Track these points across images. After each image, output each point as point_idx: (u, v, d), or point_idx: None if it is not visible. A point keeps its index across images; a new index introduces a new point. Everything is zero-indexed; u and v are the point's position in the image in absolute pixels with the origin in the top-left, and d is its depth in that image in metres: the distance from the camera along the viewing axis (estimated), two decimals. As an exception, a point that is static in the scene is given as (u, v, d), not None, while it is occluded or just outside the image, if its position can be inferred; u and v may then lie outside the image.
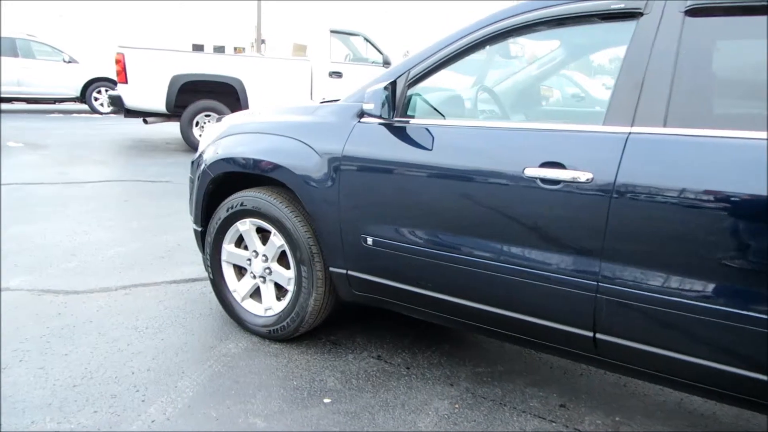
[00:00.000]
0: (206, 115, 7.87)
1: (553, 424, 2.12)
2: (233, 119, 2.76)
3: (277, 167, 2.38)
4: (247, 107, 7.73)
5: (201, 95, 7.75)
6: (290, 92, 7.97)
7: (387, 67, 8.18)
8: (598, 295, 1.76)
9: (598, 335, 1.81)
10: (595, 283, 1.76)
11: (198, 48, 13.19)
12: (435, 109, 2.23)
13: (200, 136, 7.79)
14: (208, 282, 3.26)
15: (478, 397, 2.26)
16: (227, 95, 7.80)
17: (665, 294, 1.65)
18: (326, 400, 2.19)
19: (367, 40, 8.33)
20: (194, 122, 7.81)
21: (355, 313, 2.92)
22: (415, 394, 2.26)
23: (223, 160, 2.58)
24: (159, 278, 3.33)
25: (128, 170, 6.67)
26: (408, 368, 2.46)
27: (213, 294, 3.08)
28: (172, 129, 9.88)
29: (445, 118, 2.22)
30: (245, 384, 2.27)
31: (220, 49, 13.95)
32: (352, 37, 8.51)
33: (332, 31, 8.08)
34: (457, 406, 2.20)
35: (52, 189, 5.44)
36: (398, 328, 2.84)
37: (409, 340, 2.71)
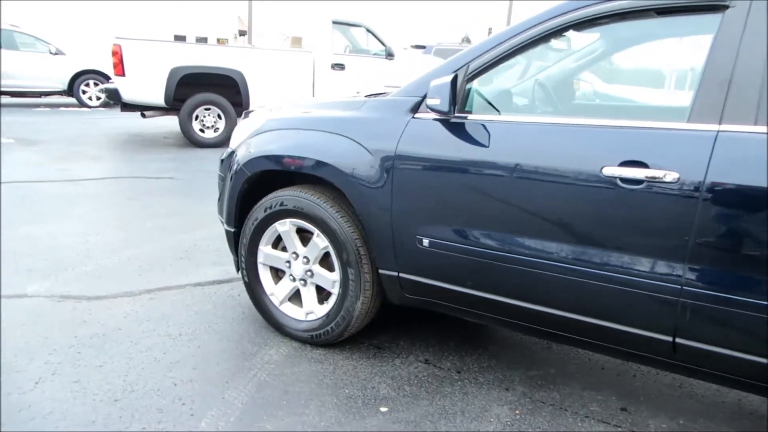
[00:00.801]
0: (206, 109, 7.67)
1: (619, 429, 2.05)
2: (269, 114, 2.63)
3: (323, 165, 2.27)
4: (248, 100, 7.56)
5: (200, 88, 7.55)
6: (291, 85, 7.80)
7: (390, 59, 8.07)
8: (681, 299, 1.69)
9: (678, 340, 1.74)
10: (679, 286, 1.68)
11: (180, 38, 12.88)
12: (491, 104, 2.14)
13: (200, 130, 7.63)
14: (234, 284, 3.17)
15: (537, 402, 2.19)
16: (228, 88, 7.60)
17: (755, 298, 1.59)
18: (383, 409, 2.09)
19: (369, 31, 8.17)
20: (194, 116, 7.61)
21: (393, 314, 2.83)
22: (472, 400, 2.18)
23: (262, 157, 2.46)
24: (182, 281, 3.20)
25: (128, 166, 6.48)
26: (459, 372, 2.37)
27: (242, 297, 2.98)
28: (168, 123, 9.67)
29: (500, 114, 2.12)
30: (295, 393, 2.17)
31: (202, 40, 13.65)
32: (352, 29, 8.35)
33: (334, 22, 7.91)
34: (517, 412, 2.12)
35: (54, 187, 5.24)
36: (440, 329, 2.75)
37: (454, 343, 2.62)
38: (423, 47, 13.04)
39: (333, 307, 2.40)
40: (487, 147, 1.95)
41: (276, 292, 2.59)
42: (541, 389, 2.28)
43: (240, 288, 3.09)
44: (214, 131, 7.77)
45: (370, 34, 8.23)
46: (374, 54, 8.23)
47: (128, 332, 2.58)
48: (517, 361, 2.50)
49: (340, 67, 8.01)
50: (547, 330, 2.00)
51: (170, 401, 2.08)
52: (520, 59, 2.11)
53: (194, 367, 2.32)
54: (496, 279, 2.00)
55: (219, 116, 7.75)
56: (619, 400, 2.23)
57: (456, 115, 2.01)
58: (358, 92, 2.93)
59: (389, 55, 8.00)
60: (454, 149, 2.01)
